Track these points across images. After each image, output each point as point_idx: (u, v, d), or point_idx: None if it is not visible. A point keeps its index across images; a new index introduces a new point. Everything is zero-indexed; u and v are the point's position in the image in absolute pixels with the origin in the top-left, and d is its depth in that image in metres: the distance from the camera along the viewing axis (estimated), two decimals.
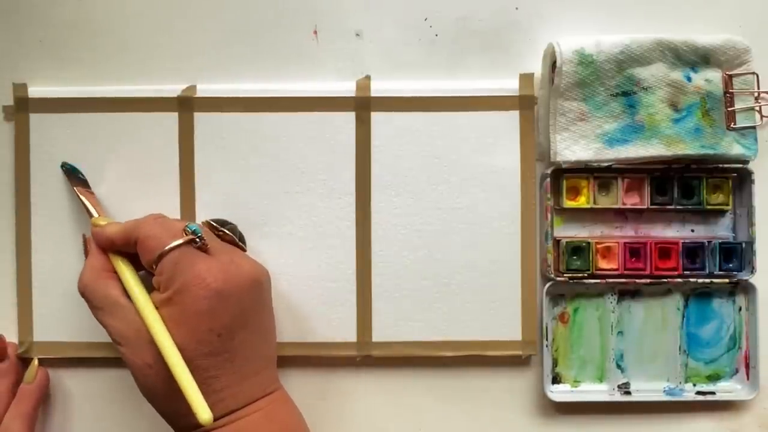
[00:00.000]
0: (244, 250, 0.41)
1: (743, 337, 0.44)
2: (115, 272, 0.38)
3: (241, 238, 0.41)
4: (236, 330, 0.36)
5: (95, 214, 0.41)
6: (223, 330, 0.36)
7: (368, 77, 0.43)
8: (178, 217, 0.43)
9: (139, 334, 0.35)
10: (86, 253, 0.40)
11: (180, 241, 0.36)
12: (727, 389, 0.44)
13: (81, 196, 0.41)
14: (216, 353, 0.36)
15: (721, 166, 0.43)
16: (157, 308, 0.36)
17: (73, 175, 0.43)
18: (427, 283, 0.43)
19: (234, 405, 0.36)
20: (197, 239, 0.36)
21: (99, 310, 0.37)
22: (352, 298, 0.43)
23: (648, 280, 0.43)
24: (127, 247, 0.38)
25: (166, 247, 0.36)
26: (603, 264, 0.43)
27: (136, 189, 0.43)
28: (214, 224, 0.40)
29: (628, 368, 0.44)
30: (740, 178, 0.43)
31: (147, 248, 0.36)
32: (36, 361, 0.43)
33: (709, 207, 0.43)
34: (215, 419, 0.35)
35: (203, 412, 0.33)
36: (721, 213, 0.44)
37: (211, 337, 0.35)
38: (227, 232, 0.40)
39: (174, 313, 0.35)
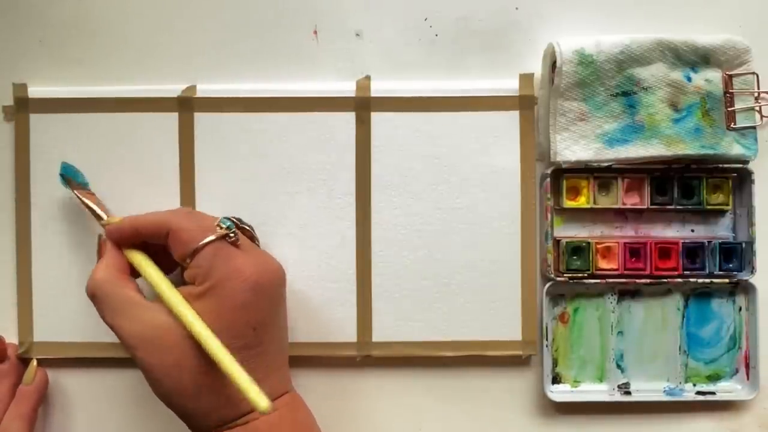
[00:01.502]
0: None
1: (743, 337, 0.44)
2: (131, 275, 0.38)
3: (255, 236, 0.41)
4: (268, 324, 0.37)
5: (103, 216, 0.40)
6: (257, 324, 0.36)
7: (368, 77, 0.43)
8: None
9: (158, 333, 0.35)
10: (100, 255, 0.39)
11: (214, 236, 0.36)
12: (727, 389, 0.44)
13: (84, 199, 0.41)
14: (250, 347, 0.36)
15: (721, 166, 0.43)
16: (188, 302, 0.35)
17: (73, 181, 0.42)
18: (427, 283, 0.43)
19: None
20: (231, 234, 0.36)
21: (112, 311, 0.36)
22: (352, 298, 0.43)
23: (648, 280, 0.43)
24: (153, 238, 0.37)
25: (203, 242, 0.35)
26: (603, 264, 0.43)
27: (136, 189, 0.43)
28: (236, 220, 0.39)
29: (628, 368, 0.44)
30: (740, 178, 0.43)
31: (180, 240, 0.36)
32: (35, 362, 0.43)
33: (709, 207, 0.43)
34: (239, 415, 0.35)
35: (261, 401, 0.32)
36: (721, 213, 0.44)
37: (246, 330, 0.35)
38: (248, 228, 0.40)
39: (211, 307, 0.35)
